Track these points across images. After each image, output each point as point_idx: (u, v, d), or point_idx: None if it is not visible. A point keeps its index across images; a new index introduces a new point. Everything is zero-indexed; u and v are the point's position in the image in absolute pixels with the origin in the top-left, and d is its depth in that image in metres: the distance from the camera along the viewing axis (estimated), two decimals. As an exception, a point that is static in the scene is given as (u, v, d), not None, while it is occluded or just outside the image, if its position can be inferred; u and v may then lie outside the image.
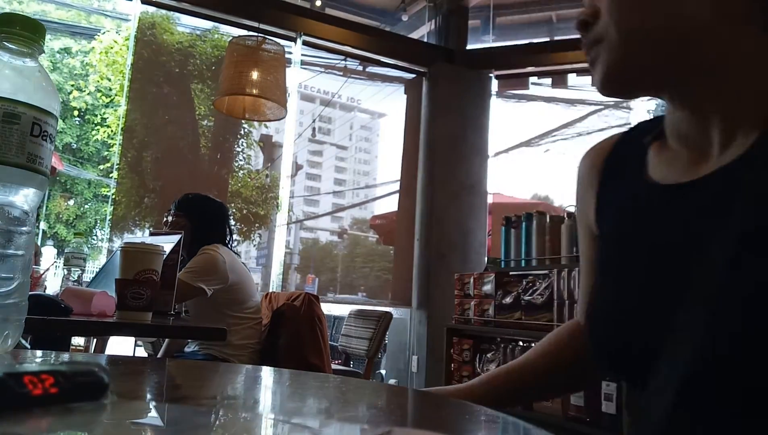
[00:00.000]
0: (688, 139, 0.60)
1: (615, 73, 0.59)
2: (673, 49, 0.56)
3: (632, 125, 0.73)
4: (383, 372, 4.97)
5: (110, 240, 4.37)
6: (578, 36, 0.64)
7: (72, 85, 12.97)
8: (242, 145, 5.20)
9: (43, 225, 12.25)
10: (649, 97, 0.66)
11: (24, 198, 0.54)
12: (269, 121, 3.64)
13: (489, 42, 5.35)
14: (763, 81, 0.54)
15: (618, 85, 0.61)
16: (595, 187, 0.71)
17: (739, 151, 0.53)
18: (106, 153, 13.29)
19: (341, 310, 4.70)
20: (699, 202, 0.55)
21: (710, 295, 0.49)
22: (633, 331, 0.57)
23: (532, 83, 5.21)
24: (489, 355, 2.93)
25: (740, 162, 0.53)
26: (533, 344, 2.72)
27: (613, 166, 0.70)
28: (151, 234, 2.60)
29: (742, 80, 0.54)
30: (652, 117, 0.72)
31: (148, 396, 0.47)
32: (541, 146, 6.03)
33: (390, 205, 5.24)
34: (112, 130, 11.64)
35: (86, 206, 13.90)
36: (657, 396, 0.52)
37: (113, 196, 4.34)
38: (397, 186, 5.08)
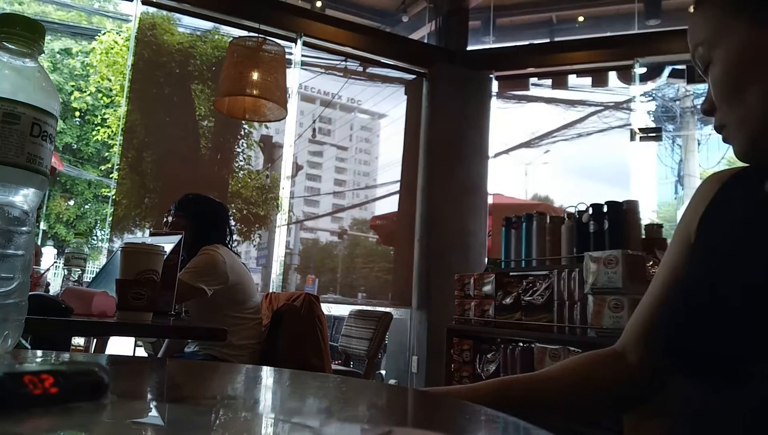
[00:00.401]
0: None
1: (746, 152, 0.69)
2: None
3: (738, 169, 0.81)
4: (383, 372, 4.97)
5: (110, 240, 4.37)
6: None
7: (72, 86, 12.98)
8: (242, 145, 5.20)
9: (43, 225, 12.25)
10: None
11: (24, 198, 0.54)
12: (269, 121, 3.64)
13: (489, 43, 5.35)
14: None
15: (750, 159, 0.70)
16: (708, 199, 0.77)
17: None
18: (106, 153, 13.30)
19: (341, 310, 4.70)
20: None
21: None
22: (730, 334, 0.60)
23: (533, 84, 5.21)
24: (489, 356, 2.93)
25: None
26: (533, 345, 2.69)
27: (733, 185, 0.76)
28: (152, 234, 2.60)
29: None
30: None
31: (148, 396, 0.47)
32: (541, 147, 6.04)
33: (390, 205, 5.25)
34: (112, 131, 11.65)
35: (86, 207, 13.91)
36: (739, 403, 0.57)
37: (113, 197, 4.34)
38: (397, 187, 5.08)
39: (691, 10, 0.73)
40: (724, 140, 0.70)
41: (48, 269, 2.08)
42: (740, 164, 0.75)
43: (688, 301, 0.67)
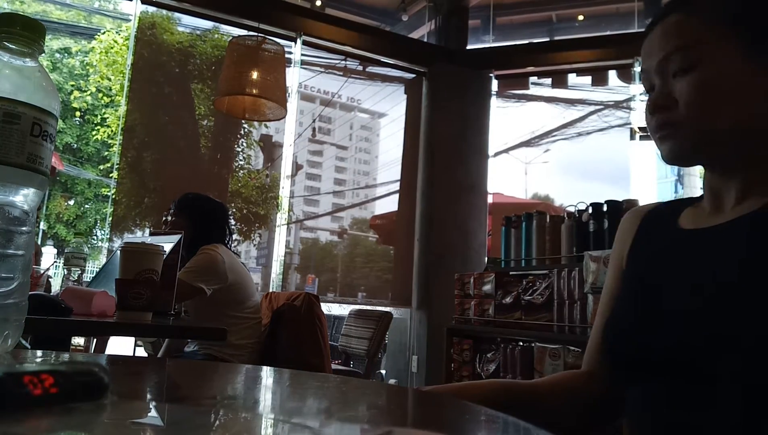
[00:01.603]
0: (712, 195, 0.78)
1: (683, 155, 0.76)
2: (735, 140, 0.73)
3: (662, 202, 0.94)
4: (383, 372, 4.97)
5: (110, 240, 4.37)
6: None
7: (72, 85, 12.97)
8: (242, 145, 5.20)
9: (43, 225, 12.24)
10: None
11: (24, 198, 0.54)
12: (269, 121, 3.64)
13: (489, 42, 5.35)
14: None
15: (681, 162, 0.79)
16: (633, 233, 0.88)
17: (745, 211, 0.72)
18: (106, 153, 13.29)
19: (341, 310, 4.70)
20: (712, 242, 0.74)
21: (724, 309, 0.66)
22: (654, 342, 0.71)
23: (532, 83, 5.21)
24: (489, 355, 2.93)
25: (744, 219, 0.72)
26: (533, 344, 2.70)
27: (651, 219, 0.88)
28: (151, 234, 2.60)
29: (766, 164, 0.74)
30: (680, 198, 0.93)
31: (148, 396, 0.47)
32: (541, 146, 6.03)
33: (390, 205, 5.24)
34: (112, 130, 11.64)
35: (86, 206, 13.91)
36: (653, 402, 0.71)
37: (113, 196, 4.34)
38: (397, 186, 5.08)
39: (668, 13, 0.78)
40: (662, 138, 0.76)
41: (48, 269, 2.08)
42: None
43: (623, 324, 0.79)
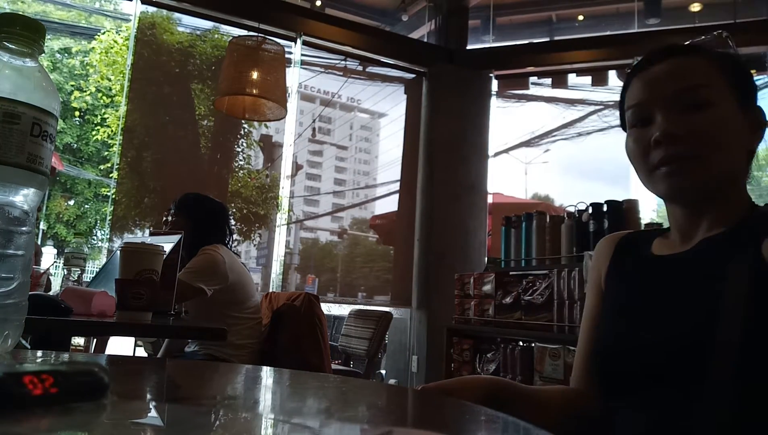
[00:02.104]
0: (682, 229, 0.83)
1: (690, 189, 0.77)
2: (722, 182, 0.78)
3: (632, 231, 0.99)
4: (383, 372, 4.97)
5: (110, 240, 4.37)
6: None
7: (72, 85, 12.97)
8: (242, 145, 5.20)
9: (43, 225, 12.24)
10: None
11: (24, 198, 0.54)
12: (269, 121, 3.64)
13: (489, 42, 5.35)
14: (739, 206, 0.80)
15: (684, 197, 0.80)
16: (609, 258, 0.93)
17: (710, 235, 0.79)
18: (106, 153, 13.29)
19: (341, 310, 4.70)
20: (683, 265, 0.80)
21: (696, 324, 0.72)
22: (636, 360, 0.77)
23: (532, 83, 5.21)
24: (489, 355, 2.93)
25: (709, 241, 0.79)
26: (533, 344, 2.70)
27: (625, 246, 0.93)
28: (151, 234, 2.60)
29: (733, 203, 0.80)
30: (647, 229, 1.01)
31: (148, 396, 0.47)
32: (541, 146, 6.04)
33: (390, 205, 5.24)
34: (112, 130, 11.64)
35: (86, 206, 13.91)
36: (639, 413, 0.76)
37: (113, 196, 4.34)
38: (397, 186, 5.08)
39: (684, 50, 0.82)
40: (671, 172, 0.77)
41: (47, 269, 2.08)
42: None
43: (606, 345, 0.84)
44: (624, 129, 0.90)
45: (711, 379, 0.67)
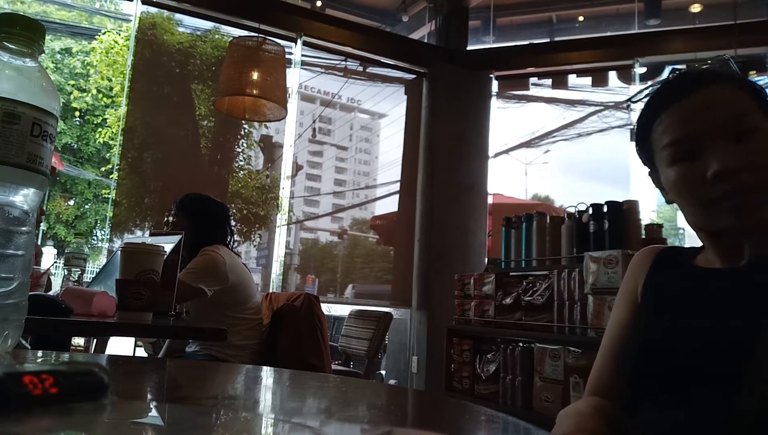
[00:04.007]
0: (725, 250, 0.81)
1: (760, 219, 0.74)
2: None
3: (683, 246, 0.98)
4: (383, 372, 4.97)
5: (110, 240, 4.37)
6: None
7: (72, 86, 12.98)
8: (242, 145, 5.20)
9: (43, 225, 12.24)
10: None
11: (24, 198, 0.54)
12: (269, 121, 3.64)
13: (489, 43, 5.35)
14: None
15: (752, 228, 0.76)
16: (646, 269, 0.91)
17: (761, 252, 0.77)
18: (106, 153, 13.30)
19: (341, 310, 4.70)
20: (736, 277, 0.78)
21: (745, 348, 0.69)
22: (677, 358, 0.76)
23: (533, 84, 5.21)
24: (489, 356, 2.93)
25: (763, 259, 0.76)
26: (533, 345, 2.69)
27: (666, 258, 0.92)
28: (152, 234, 2.60)
29: None
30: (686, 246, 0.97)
31: (149, 396, 0.47)
32: (542, 147, 6.03)
33: (390, 205, 5.24)
34: (112, 131, 11.64)
35: (86, 207, 13.91)
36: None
37: (113, 197, 4.34)
38: (397, 186, 5.08)
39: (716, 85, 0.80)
40: (741, 205, 0.74)
41: (48, 269, 2.08)
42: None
43: (644, 343, 0.82)
44: (643, 160, 0.90)
45: (750, 382, 0.66)
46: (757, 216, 0.74)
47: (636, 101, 4.23)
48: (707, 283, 0.82)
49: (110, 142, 12.23)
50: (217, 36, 4.66)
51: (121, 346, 3.89)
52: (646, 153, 0.89)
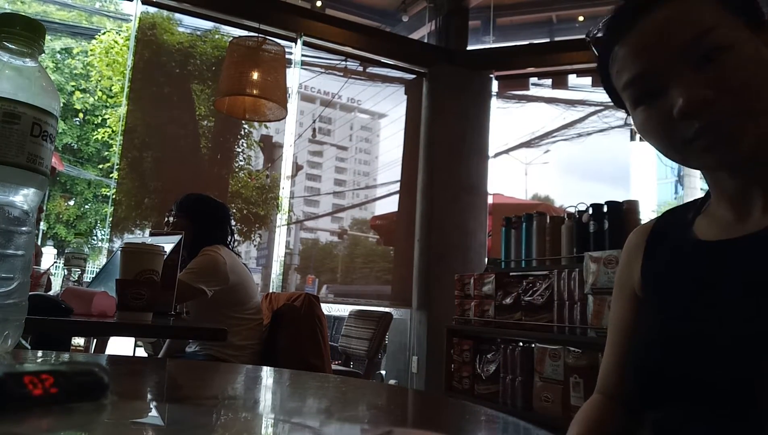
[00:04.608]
0: (733, 200, 0.68)
1: (752, 155, 0.62)
2: None
3: (663, 212, 0.84)
4: (383, 372, 4.97)
5: (110, 240, 4.37)
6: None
7: (73, 86, 12.98)
8: (242, 145, 5.20)
9: (42, 225, 12.24)
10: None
11: (24, 198, 0.54)
12: (269, 121, 3.64)
13: (489, 43, 5.35)
14: None
15: (732, 164, 0.65)
16: (640, 256, 0.80)
17: None
18: (106, 153, 13.30)
19: (341, 310, 4.70)
20: (747, 254, 0.64)
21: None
22: (686, 366, 0.65)
23: (533, 84, 5.21)
24: (489, 356, 2.93)
25: None
26: (533, 345, 2.69)
27: (660, 234, 0.79)
28: (152, 234, 2.60)
29: None
30: (679, 204, 0.85)
31: (149, 396, 0.47)
32: (542, 147, 6.04)
33: (390, 205, 5.24)
34: (112, 131, 11.64)
35: (86, 207, 13.91)
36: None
37: (113, 197, 4.34)
38: (397, 187, 5.08)
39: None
40: (711, 144, 0.61)
41: (48, 269, 2.08)
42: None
43: (652, 349, 0.70)
44: (618, 105, 0.74)
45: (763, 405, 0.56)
46: (734, 151, 0.61)
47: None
48: (709, 263, 0.68)
49: (109, 141, 12.23)
50: (217, 36, 4.66)
51: (121, 346, 3.88)
52: (614, 98, 0.76)
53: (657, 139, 0.67)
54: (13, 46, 0.55)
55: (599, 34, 0.75)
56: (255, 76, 2.97)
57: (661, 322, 0.71)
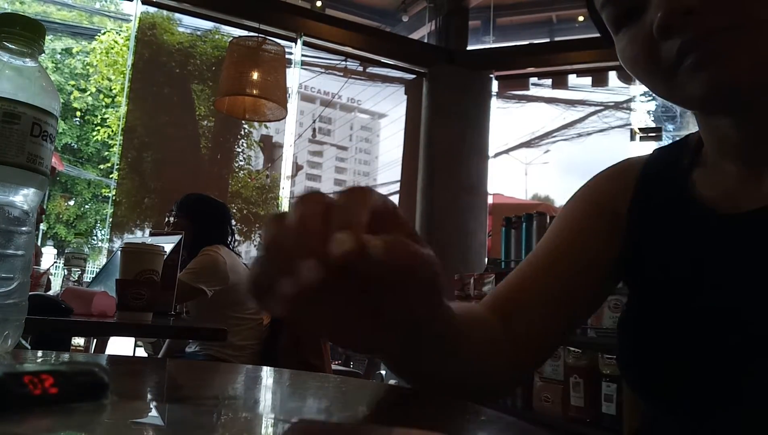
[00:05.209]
0: (741, 153, 0.55)
1: (755, 76, 0.47)
2: None
3: (651, 152, 0.68)
4: (383, 372, 4.97)
5: (110, 240, 4.37)
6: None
7: (73, 86, 12.99)
8: (242, 145, 5.21)
9: (43, 225, 12.25)
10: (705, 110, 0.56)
11: (24, 198, 0.54)
12: (269, 121, 3.64)
13: (489, 43, 5.35)
14: None
15: (740, 93, 0.49)
16: (631, 192, 0.64)
17: None
18: (106, 153, 13.31)
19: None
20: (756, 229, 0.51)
21: None
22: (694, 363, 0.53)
23: (533, 84, 5.21)
24: (489, 356, 2.93)
25: None
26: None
27: (649, 181, 0.63)
28: (152, 234, 2.60)
29: None
30: (669, 141, 0.68)
31: (149, 396, 0.47)
32: (541, 147, 6.04)
33: (390, 205, 5.25)
34: (112, 131, 11.66)
35: (86, 207, 13.92)
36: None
37: (113, 197, 4.34)
38: (397, 186, 5.09)
39: None
40: (710, 54, 0.48)
41: (48, 269, 2.08)
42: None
43: (651, 333, 0.57)
44: (607, 44, 0.61)
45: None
46: (741, 64, 0.47)
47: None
48: (713, 239, 0.55)
49: (109, 141, 12.24)
50: (217, 36, 4.66)
51: (121, 346, 3.89)
52: (600, 29, 0.62)
53: (638, 67, 0.54)
54: (13, 46, 0.55)
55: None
56: (255, 76, 2.97)
57: (654, 308, 0.58)
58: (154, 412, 0.40)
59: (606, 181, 0.69)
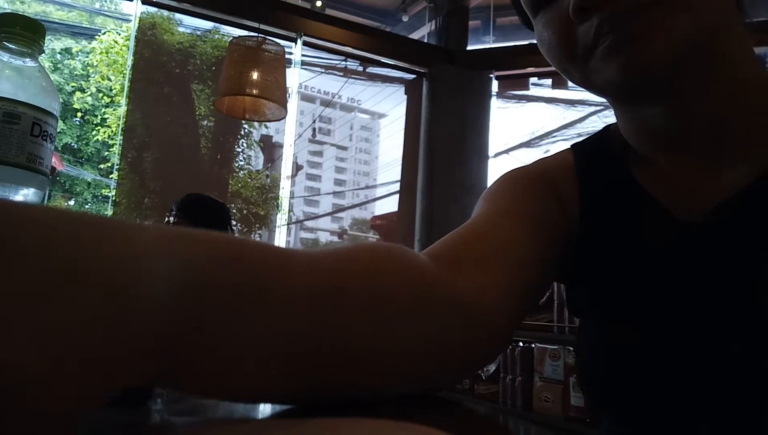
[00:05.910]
0: (690, 151, 0.50)
1: (676, 57, 0.43)
2: (716, 39, 0.45)
3: (571, 151, 0.60)
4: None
5: (110, 240, 4.37)
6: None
7: (73, 86, 13.00)
8: (242, 145, 5.21)
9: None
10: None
11: (24, 198, 0.54)
12: (269, 121, 3.64)
13: (489, 43, 5.35)
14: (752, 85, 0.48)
15: (650, 79, 0.44)
16: (575, 193, 0.56)
17: (759, 171, 0.46)
18: (106, 153, 13.31)
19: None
20: (728, 240, 0.46)
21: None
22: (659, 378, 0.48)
23: (533, 84, 5.21)
24: (489, 356, 2.93)
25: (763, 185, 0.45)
26: (533, 345, 2.67)
27: (596, 176, 0.56)
28: (152, 234, 2.60)
29: (738, 78, 0.48)
30: (586, 137, 0.61)
31: (149, 396, 0.47)
32: (542, 147, 6.04)
33: (390, 205, 5.25)
34: (112, 131, 11.66)
35: (86, 207, 13.92)
36: None
37: (113, 197, 4.35)
38: (397, 186, 5.09)
39: None
40: (629, 36, 0.43)
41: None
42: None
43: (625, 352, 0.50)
44: (528, 27, 0.57)
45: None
46: (657, 46, 0.42)
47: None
48: (676, 244, 0.49)
49: (109, 141, 12.25)
50: (217, 36, 4.66)
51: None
52: (519, 12, 0.58)
53: (553, 52, 0.49)
54: (13, 46, 0.55)
55: None
56: (255, 76, 2.97)
57: (612, 328, 0.52)
58: (154, 413, 0.40)
59: (549, 170, 0.59)
